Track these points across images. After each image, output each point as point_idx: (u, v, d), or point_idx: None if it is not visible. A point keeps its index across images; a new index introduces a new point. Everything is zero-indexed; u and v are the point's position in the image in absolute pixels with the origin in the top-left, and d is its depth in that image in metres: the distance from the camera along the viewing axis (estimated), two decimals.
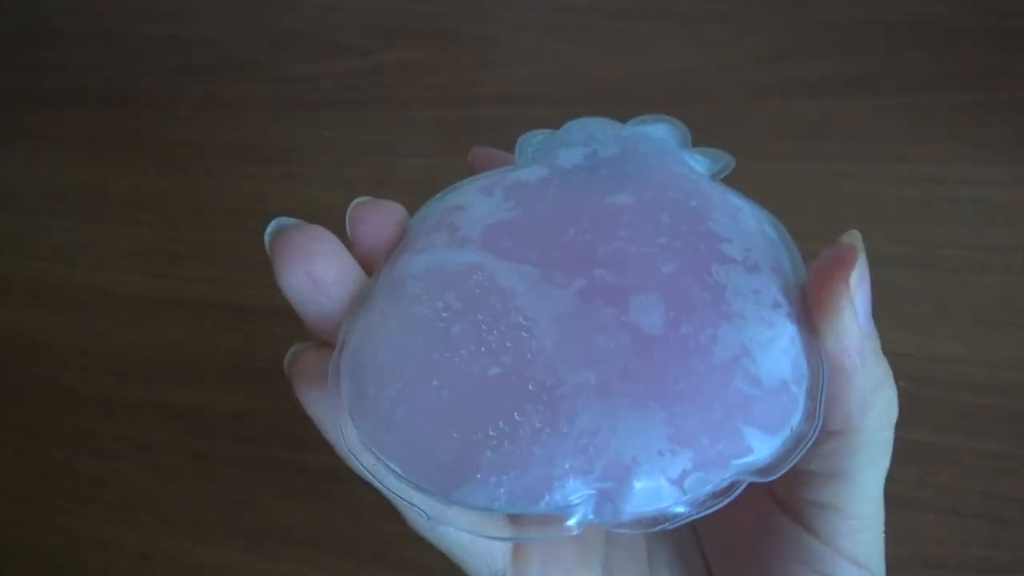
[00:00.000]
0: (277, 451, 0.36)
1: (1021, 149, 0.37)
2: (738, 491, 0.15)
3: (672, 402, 0.15)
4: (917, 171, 0.37)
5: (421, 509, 0.16)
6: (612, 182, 0.19)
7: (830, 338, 0.16)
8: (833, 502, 0.18)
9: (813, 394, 0.16)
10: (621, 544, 0.22)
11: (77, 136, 0.47)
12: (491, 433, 0.15)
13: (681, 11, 0.42)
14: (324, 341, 0.18)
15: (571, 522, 0.15)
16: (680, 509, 0.15)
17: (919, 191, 0.37)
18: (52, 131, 0.47)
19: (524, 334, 0.16)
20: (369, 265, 0.18)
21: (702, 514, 0.15)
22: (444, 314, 0.16)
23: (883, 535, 0.19)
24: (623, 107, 0.29)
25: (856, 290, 0.16)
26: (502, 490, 0.15)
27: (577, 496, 0.15)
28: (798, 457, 0.15)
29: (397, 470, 0.16)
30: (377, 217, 0.18)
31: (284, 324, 0.39)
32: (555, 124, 0.21)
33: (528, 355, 0.15)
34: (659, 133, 0.20)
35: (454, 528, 0.17)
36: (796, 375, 0.16)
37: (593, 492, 0.15)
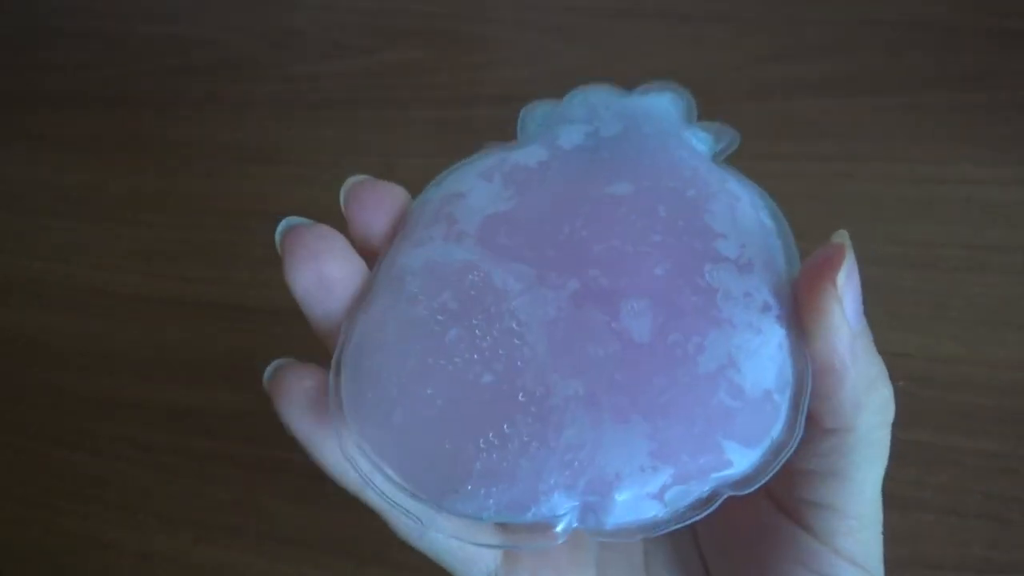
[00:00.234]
0: (277, 451, 0.36)
1: (1021, 149, 0.37)
2: (718, 502, 0.16)
3: (656, 415, 0.15)
4: (917, 171, 0.37)
5: (415, 515, 0.16)
6: (612, 168, 0.19)
7: (819, 338, 0.16)
8: (830, 501, 0.18)
9: (796, 402, 0.16)
10: (615, 546, 0.22)
11: (77, 136, 0.47)
12: (481, 445, 0.15)
13: (681, 11, 0.42)
14: (308, 357, 0.18)
15: (557, 529, 0.15)
16: (660, 519, 0.15)
17: (919, 191, 0.37)
18: (52, 131, 0.47)
19: (516, 340, 0.16)
20: (362, 247, 0.18)
21: (682, 524, 0.16)
22: (440, 317, 0.17)
23: (881, 535, 0.19)
24: None
25: (844, 289, 0.16)
26: (491, 501, 0.15)
27: (562, 508, 0.15)
28: (775, 469, 0.16)
29: (393, 475, 0.16)
30: (373, 199, 0.19)
31: (284, 324, 0.39)
32: None
33: (519, 363, 0.16)
34: (663, 106, 0.20)
35: (444, 535, 0.18)
36: (780, 383, 0.16)
37: (577, 504, 0.15)
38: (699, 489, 0.16)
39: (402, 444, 0.16)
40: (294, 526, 0.34)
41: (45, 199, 0.45)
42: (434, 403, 0.16)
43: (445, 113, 0.43)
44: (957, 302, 0.34)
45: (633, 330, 0.16)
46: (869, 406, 0.17)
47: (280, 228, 0.18)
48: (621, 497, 0.15)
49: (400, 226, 0.19)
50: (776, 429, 0.16)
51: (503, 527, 0.18)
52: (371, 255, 0.19)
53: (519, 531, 0.17)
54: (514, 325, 0.16)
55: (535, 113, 0.21)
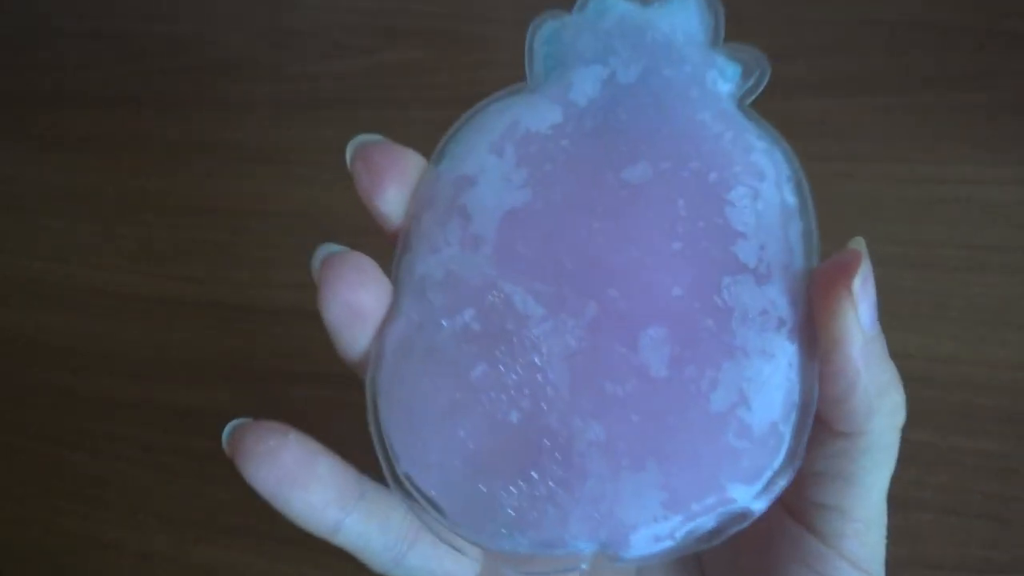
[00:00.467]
0: None
1: (1021, 149, 0.37)
2: (725, 535, 0.17)
3: (668, 462, 0.16)
4: (917, 171, 0.37)
5: (458, 547, 0.18)
6: (629, 142, 0.18)
7: (833, 343, 0.16)
8: (837, 504, 0.18)
9: (799, 425, 0.17)
10: None
11: (77, 136, 0.47)
12: (512, 490, 0.17)
13: None
14: (273, 420, 0.18)
15: (583, 566, 0.17)
16: (670, 549, 0.17)
17: (919, 191, 0.37)
18: (52, 131, 0.47)
19: (539, 377, 0.17)
20: (367, 204, 0.18)
21: (692, 551, 0.17)
22: (464, 345, 0.17)
23: (885, 540, 0.19)
24: None
25: (860, 296, 0.16)
26: (523, 542, 0.17)
27: (585, 550, 0.17)
28: (773, 498, 0.17)
29: (439, 510, 0.17)
30: (385, 163, 0.18)
31: (284, 324, 0.39)
32: None
33: (543, 405, 0.17)
34: (687, 25, 0.19)
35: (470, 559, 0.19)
36: (786, 409, 0.17)
37: (597, 546, 0.17)
38: (706, 525, 0.17)
39: (441, 483, 0.17)
40: (294, 526, 0.34)
41: (45, 199, 0.45)
42: (467, 446, 0.17)
43: (445, 113, 0.43)
44: (957, 302, 0.34)
45: (651, 364, 0.17)
46: (881, 410, 0.17)
47: (318, 256, 0.18)
48: (636, 539, 0.17)
49: (413, 204, 0.18)
50: (778, 460, 0.17)
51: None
52: (376, 219, 0.19)
53: (546, 561, 0.18)
54: (536, 360, 0.17)
55: (543, 33, 0.19)
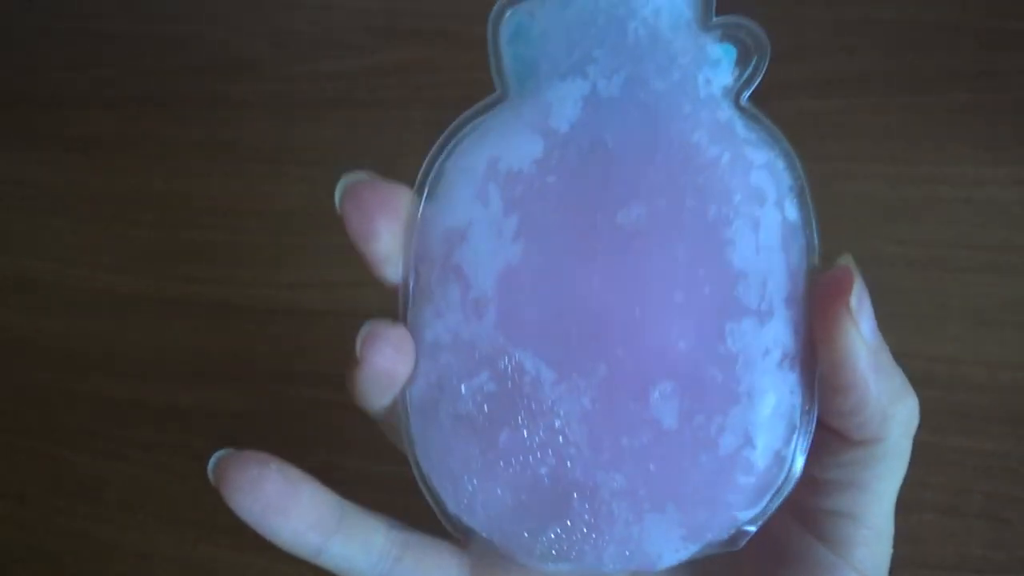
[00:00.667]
0: (277, 451, 0.36)
1: (1021, 149, 0.37)
2: (739, 544, 0.19)
3: (686, 503, 0.18)
4: (917, 171, 0.37)
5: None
6: (621, 177, 0.17)
7: (841, 361, 0.17)
8: (850, 511, 0.18)
9: (799, 443, 0.18)
10: None
11: (77, 136, 0.47)
12: (552, 536, 0.18)
13: None
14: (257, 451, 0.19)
15: None
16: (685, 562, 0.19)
17: (919, 191, 0.37)
18: (52, 131, 0.47)
19: (561, 439, 0.18)
20: (361, 246, 0.18)
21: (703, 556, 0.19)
22: (486, 408, 0.18)
23: (891, 552, 0.19)
24: None
25: (859, 310, 0.16)
26: (564, 567, 0.19)
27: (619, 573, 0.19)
28: (772, 510, 0.18)
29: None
30: (374, 202, 0.18)
31: (284, 324, 0.39)
32: None
33: (568, 463, 0.18)
34: (672, 6, 0.17)
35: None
36: (787, 434, 0.18)
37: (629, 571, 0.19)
38: (717, 543, 0.19)
39: (487, 525, 0.19)
40: None
41: (45, 199, 0.45)
42: (505, 501, 0.18)
43: (445, 113, 0.43)
44: (957, 302, 0.34)
45: (662, 417, 0.17)
46: (897, 417, 0.17)
47: (362, 333, 0.18)
48: (661, 563, 0.19)
49: (406, 251, 0.18)
50: (780, 479, 0.18)
51: None
52: (366, 259, 0.19)
53: None
54: (556, 423, 0.18)
55: (507, 29, 0.18)
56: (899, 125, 0.38)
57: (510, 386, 0.18)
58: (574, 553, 0.18)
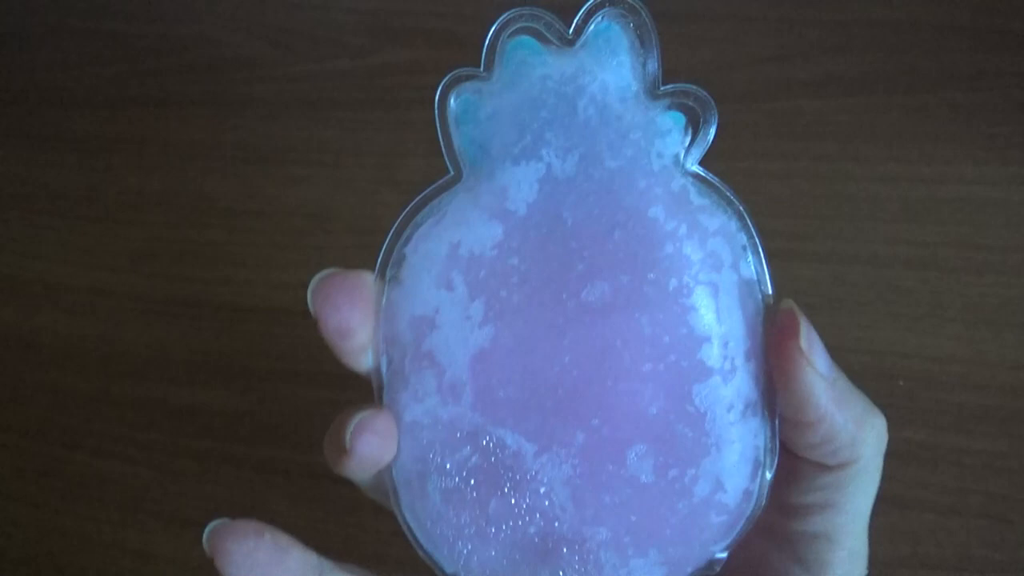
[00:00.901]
0: (277, 451, 0.36)
1: (1021, 149, 0.37)
2: (714, 570, 0.20)
3: (666, 546, 0.19)
4: (917, 171, 0.37)
5: None
6: (583, 257, 0.18)
7: (803, 401, 0.18)
8: (826, 532, 0.19)
9: (764, 475, 0.19)
10: None
11: (77, 136, 0.47)
12: None
13: (681, 10, 0.42)
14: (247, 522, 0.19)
15: None
16: None
17: (919, 191, 0.37)
18: (52, 131, 0.47)
19: (547, 503, 0.18)
20: (337, 342, 0.19)
21: None
22: (472, 481, 0.19)
23: (866, 574, 0.20)
24: None
25: (810, 349, 0.17)
26: None
27: None
28: (739, 536, 0.19)
29: None
30: (343, 295, 0.18)
31: (284, 324, 0.39)
32: None
33: (555, 523, 0.19)
34: (619, 80, 0.18)
35: None
36: (753, 471, 0.19)
37: None
38: (696, 570, 0.20)
39: None
40: (294, 526, 0.34)
41: (45, 199, 0.45)
42: (500, 561, 0.19)
43: None
44: (957, 302, 0.34)
45: (639, 474, 0.18)
46: (868, 439, 0.18)
47: (350, 425, 0.18)
48: None
49: (375, 337, 0.19)
50: (749, 509, 0.19)
51: None
52: (341, 354, 0.19)
53: None
54: (541, 490, 0.18)
55: (456, 109, 0.18)
56: (899, 125, 0.38)
57: (493, 460, 0.18)
58: None
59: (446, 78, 0.18)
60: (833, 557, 0.19)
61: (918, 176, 0.37)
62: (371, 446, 0.18)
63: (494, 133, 0.18)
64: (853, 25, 0.41)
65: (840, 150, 0.38)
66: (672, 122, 0.18)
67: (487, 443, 0.18)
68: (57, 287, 0.42)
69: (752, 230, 0.18)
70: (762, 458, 0.19)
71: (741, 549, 0.20)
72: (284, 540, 0.19)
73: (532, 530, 0.19)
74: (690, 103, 0.18)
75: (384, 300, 0.19)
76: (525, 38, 0.18)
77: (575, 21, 0.18)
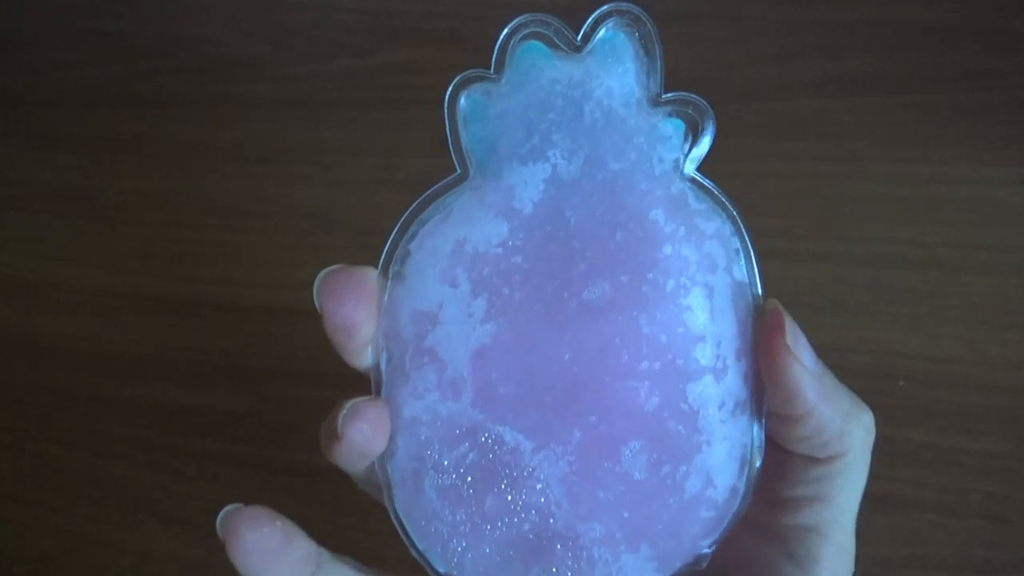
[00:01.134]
0: (277, 451, 0.36)
1: (1021, 149, 0.37)
2: (701, 565, 0.20)
3: (657, 541, 0.19)
4: (917, 171, 0.37)
5: None
6: (584, 256, 0.18)
7: (793, 396, 0.18)
8: (816, 526, 0.19)
9: (750, 472, 0.19)
10: None
11: (77, 136, 0.47)
12: None
13: (681, 11, 0.42)
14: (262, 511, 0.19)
15: None
16: None
17: (919, 191, 0.37)
18: (52, 131, 0.47)
19: (543, 499, 0.19)
20: (341, 339, 0.19)
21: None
22: (469, 478, 0.19)
23: (853, 572, 0.20)
24: None
25: (796, 346, 0.18)
26: None
27: None
28: (725, 531, 0.20)
29: None
30: (348, 291, 0.19)
31: (284, 324, 0.39)
32: None
33: (550, 519, 0.19)
34: (624, 87, 0.18)
35: None
36: (740, 468, 0.19)
37: None
38: (685, 565, 0.20)
39: None
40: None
41: (45, 199, 0.45)
42: (494, 558, 0.19)
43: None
44: (957, 302, 0.34)
45: (633, 471, 0.19)
46: (856, 432, 0.19)
47: (343, 412, 0.18)
48: None
49: (377, 334, 0.19)
50: (736, 505, 0.20)
51: None
52: (345, 351, 0.19)
53: None
54: (537, 486, 0.19)
55: (466, 108, 0.19)
56: (899, 125, 0.38)
57: (491, 457, 0.19)
58: None
59: (457, 78, 0.18)
60: (823, 551, 0.19)
61: (918, 176, 0.37)
62: (362, 434, 0.18)
63: (502, 133, 0.19)
64: (853, 25, 0.41)
65: (840, 150, 0.38)
66: (672, 128, 0.19)
67: (486, 439, 0.19)
68: (57, 287, 0.42)
69: (744, 234, 0.19)
70: (748, 455, 0.19)
71: (734, 547, 0.20)
72: (290, 527, 0.19)
73: (527, 527, 0.19)
74: (690, 111, 0.19)
75: (386, 296, 0.19)
76: (535, 43, 0.19)
77: (583, 28, 0.18)
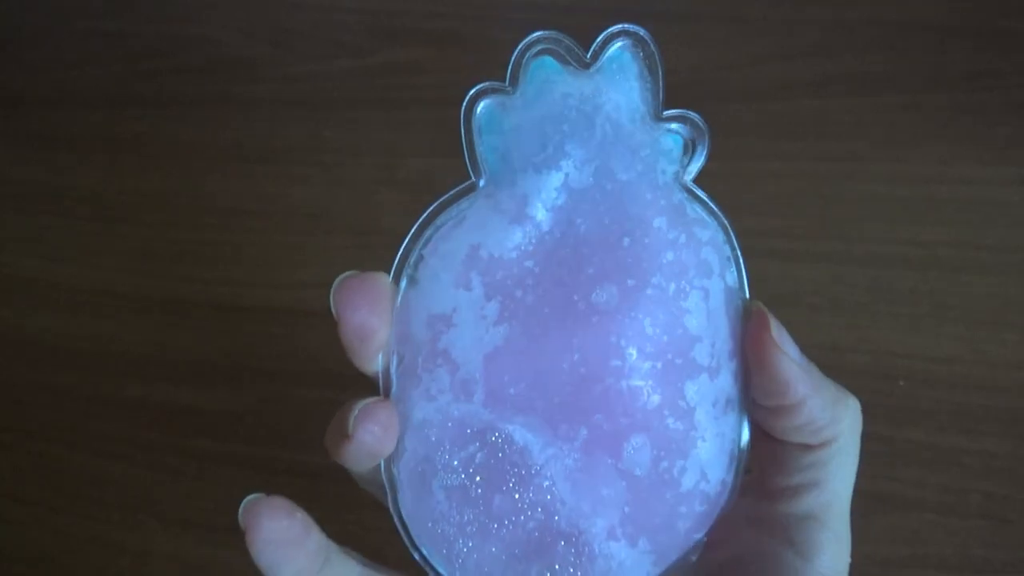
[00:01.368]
0: (277, 451, 0.36)
1: (1021, 149, 0.37)
2: (691, 559, 0.21)
3: (655, 536, 0.20)
4: (917, 171, 0.37)
5: None
6: (593, 261, 0.19)
7: (783, 387, 0.19)
8: (812, 511, 0.20)
9: (738, 466, 0.20)
10: None
11: (77, 136, 0.47)
12: None
13: (681, 11, 0.42)
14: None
15: None
16: None
17: (919, 191, 0.37)
18: (52, 131, 0.47)
19: (548, 497, 0.19)
20: (355, 344, 0.19)
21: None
22: (477, 478, 0.19)
23: (849, 563, 0.21)
24: None
25: (782, 340, 0.19)
26: None
27: None
28: (713, 523, 0.21)
29: None
30: (362, 296, 0.19)
31: (284, 324, 0.39)
32: None
33: (555, 516, 0.19)
34: (630, 103, 0.19)
35: None
36: (731, 462, 0.20)
37: None
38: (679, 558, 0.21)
39: None
40: None
41: (45, 199, 0.45)
42: (500, 558, 0.20)
43: (445, 113, 0.43)
44: (957, 302, 0.34)
45: (635, 467, 0.19)
46: (845, 418, 0.20)
47: (354, 412, 0.19)
48: None
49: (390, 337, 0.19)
50: (724, 498, 0.20)
51: None
52: (358, 356, 0.19)
53: None
54: (544, 484, 0.19)
55: (481, 117, 0.19)
56: (899, 125, 0.38)
57: (500, 456, 0.19)
58: None
59: (472, 90, 0.19)
60: (822, 538, 0.20)
61: (918, 176, 0.37)
62: (372, 435, 0.18)
63: (517, 143, 0.19)
64: (853, 25, 0.41)
65: (840, 150, 0.38)
66: (673, 143, 0.20)
67: (496, 439, 0.19)
68: (57, 287, 0.42)
69: (734, 242, 0.20)
70: (736, 450, 0.20)
71: (736, 543, 0.21)
72: (308, 520, 0.19)
73: (531, 525, 0.19)
74: (689, 129, 0.20)
75: (399, 300, 0.20)
76: (548, 59, 0.20)
77: (593, 47, 0.20)
